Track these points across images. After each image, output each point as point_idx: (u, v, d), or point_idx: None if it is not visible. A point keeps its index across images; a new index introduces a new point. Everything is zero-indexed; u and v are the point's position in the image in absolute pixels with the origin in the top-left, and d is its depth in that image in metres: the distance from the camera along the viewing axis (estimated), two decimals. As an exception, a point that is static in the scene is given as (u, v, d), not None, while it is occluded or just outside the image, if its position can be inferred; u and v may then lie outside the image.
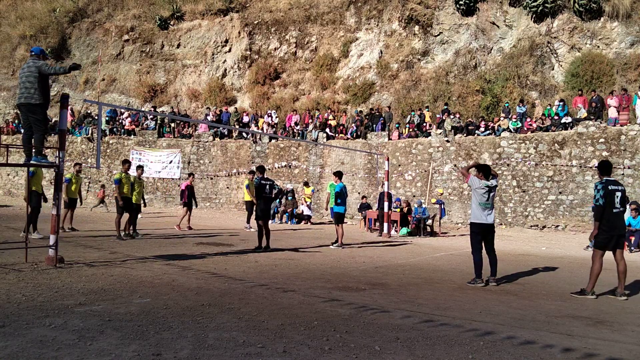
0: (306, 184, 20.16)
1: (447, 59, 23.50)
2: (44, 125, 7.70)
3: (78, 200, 13.41)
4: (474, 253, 7.34)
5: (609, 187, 6.62)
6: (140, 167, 12.74)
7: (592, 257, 6.77)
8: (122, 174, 11.49)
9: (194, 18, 29.64)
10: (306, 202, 19.39)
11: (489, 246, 7.43)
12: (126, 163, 11.89)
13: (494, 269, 7.33)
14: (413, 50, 24.18)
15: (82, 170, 13.28)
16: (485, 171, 7.51)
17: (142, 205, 12.85)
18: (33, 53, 7.68)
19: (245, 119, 24.10)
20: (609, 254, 6.77)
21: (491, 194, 7.41)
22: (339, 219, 11.68)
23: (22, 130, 8.07)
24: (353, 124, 22.30)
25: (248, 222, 15.21)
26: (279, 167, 22.31)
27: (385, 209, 14.93)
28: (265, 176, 10.73)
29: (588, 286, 6.69)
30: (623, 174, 16.18)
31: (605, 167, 6.90)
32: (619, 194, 6.65)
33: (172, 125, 25.06)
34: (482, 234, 7.42)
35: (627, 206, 13.61)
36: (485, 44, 22.84)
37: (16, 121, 27.58)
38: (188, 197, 14.61)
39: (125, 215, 11.56)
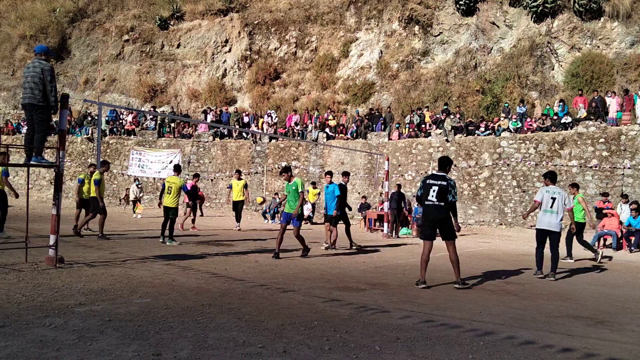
0: (313, 185, 19.76)
1: (447, 59, 23.50)
2: (46, 126, 7.68)
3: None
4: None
5: (427, 182, 7.12)
6: (106, 163, 12.28)
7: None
8: (101, 174, 11.52)
9: (194, 18, 29.65)
10: (310, 202, 19.15)
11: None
12: (105, 164, 12.03)
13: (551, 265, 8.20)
14: (413, 50, 24.18)
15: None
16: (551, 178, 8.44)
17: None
18: (37, 52, 7.61)
19: (245, 119, 24.11)
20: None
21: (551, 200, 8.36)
22: (332, 219, 11.14)
23: (26, 130, 8.03)
24: (353, 124, 22.31)
25: (238, 221, 15.02)
26: (279, 167, 22.30)
27: (385, 209, 14.93)
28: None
29: (420, 274, 6.99)
30: (623, 174, 16.17)
31: (440, 163, 7.34)
32: (435, 188, 6.96)
33: (172, 125, 25.07)
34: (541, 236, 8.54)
35: (627, 206, 13.61)
36: (485, 44, 22.84)
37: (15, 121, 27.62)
38: (192, 198, 14.62)
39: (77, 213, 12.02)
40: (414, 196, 19.08)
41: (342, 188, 11.14)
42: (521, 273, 8.62)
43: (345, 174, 11.94)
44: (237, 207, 14.84)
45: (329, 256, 9.91)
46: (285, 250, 10.66)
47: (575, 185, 11.20)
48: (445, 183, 6.94)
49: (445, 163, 7.26)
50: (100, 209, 11.34)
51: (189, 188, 15.03)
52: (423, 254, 7.04)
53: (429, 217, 7.05)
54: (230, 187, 14.97)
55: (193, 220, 14.71)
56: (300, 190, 9.44)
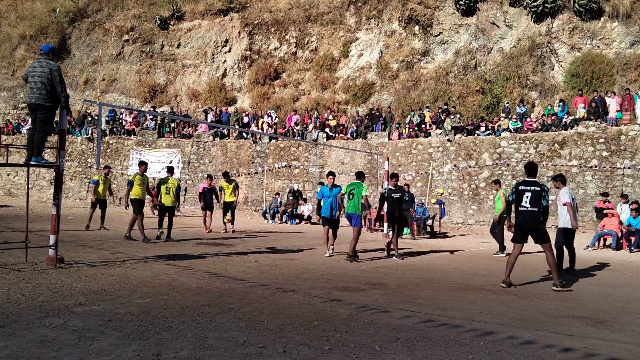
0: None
1: (447, 59, 23.50)
2: (48, 126, 7.66)
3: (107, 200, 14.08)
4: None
5: (519, 188, 7.15)
6: (143, 164, 12.09)
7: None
8: (136, 175, 11.46)
9: (194, 18, 29.66)
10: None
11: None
12: (142, 164, 11.79)
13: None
14: (413, 50, 24.18)
15: (110, 173, 13.89)
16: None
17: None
18: (42, 52, 7.57)
19: (245, 119, 24.11)
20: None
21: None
22: (338, 224, 10.31)
23: (29, 130, 8.01)
24: (353, 124, 22.30)
25: (232, 222, 14.18)
26: (279, 167, 22.31)
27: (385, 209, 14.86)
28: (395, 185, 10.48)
29: (505, 274, 7.14)
30: (623, 174, 16.17)
31: (528, 169, 7.36)
32: (528, 193, 7.02)
33: (172, 125, 25.07)
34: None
35: (627, 206, 13.61)
36: (485, 44, 22.84)
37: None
38: (205, 199, 14.29)
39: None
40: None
41: (398, 192, 10.45)
42: (521, 273, 8.61)
43: (394, 176, 10.84)
44: (228, 208, 14.04)
45: (328, 256, 9.89)
46: (286, 250, 10.66)
47: (497, 182, 12.08)
48: (539, 188, 7.00)
49: (534, 168, 7.31)
50: (135, 209, 11.24)
51: (200, 190, 14.81)
52: (512, 256, 7.15)
53: (522, 223, 7.10)
54: (221, 189, 14.28)
55: (209, 222, 14.29)
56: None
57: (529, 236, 7.18)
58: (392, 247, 10.23)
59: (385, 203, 10.46)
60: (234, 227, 14.15)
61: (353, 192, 10.05)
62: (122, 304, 5.15)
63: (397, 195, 10.37)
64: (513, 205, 7.23)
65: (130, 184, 11.30)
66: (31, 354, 3.59)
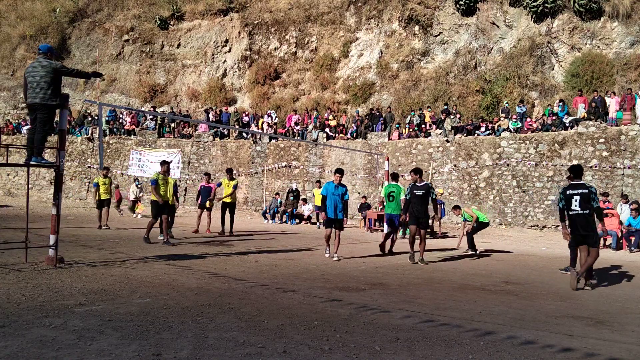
0: (319, 184, 18.56)
1: (447, 59, 23.50)
2: (48, 126, 7.66)
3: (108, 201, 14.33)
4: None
5: (567, 192, 7.32)
6: (165, 163, 11.57)
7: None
8: (158, 174, 11.11)
9: (194, 18, 29.65)
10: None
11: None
12: (164, 164, 11.42)
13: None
14: (413, 50, 24.18)
15: (108, 173, 14.38)
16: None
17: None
18: (41, 51, 7.55)
19: (245, 119, 24.11)
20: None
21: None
22: (342, 225, 9.74)
23: (29, 130, 8.02)
24: (353, 124, 22.31)
25: (224, 224, 13.71)
26: (279, 167, 22.31)
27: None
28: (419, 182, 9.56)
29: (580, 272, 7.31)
30: (623, 174, 16.17)
31: (574, 171, 7.44)
32: (577, 197, 7.14)
33: (172, 125, 25.07)
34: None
35: (627, 206, 13.62)
36: (485, 44, 22.83)
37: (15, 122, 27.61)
38: (203, 198, 14.01)
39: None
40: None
41: (422, 188, 9.54)
42: (521, 273, 8.61)
43: (417, 172, 9.71)
44: (227, 208, 13.56)
45: (329, 257, 9.87)
46: (286, 250, 10.66)
47: (457, 207, 12.69)
48: (586, 191, 7.12)
49: (581, 171, 7.42)
50: (153, 211, 11.04)
51: (213, 187, 14.52)
52: (580, 260, 7.27)
53: (574, 227, 7.22)
54: (220, 184, 13.86)
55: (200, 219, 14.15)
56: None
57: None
58: (416, 249, 9.56)
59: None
60: (233, 229, 13.71)
61: (393, 195, 10.00)
62: (122, 304, 5.15)
63: (420, 193, 9.41)
64: (565, 211, 7.36)
65: (155, 182, 10.93)
66: (31, 354, 3.59)
